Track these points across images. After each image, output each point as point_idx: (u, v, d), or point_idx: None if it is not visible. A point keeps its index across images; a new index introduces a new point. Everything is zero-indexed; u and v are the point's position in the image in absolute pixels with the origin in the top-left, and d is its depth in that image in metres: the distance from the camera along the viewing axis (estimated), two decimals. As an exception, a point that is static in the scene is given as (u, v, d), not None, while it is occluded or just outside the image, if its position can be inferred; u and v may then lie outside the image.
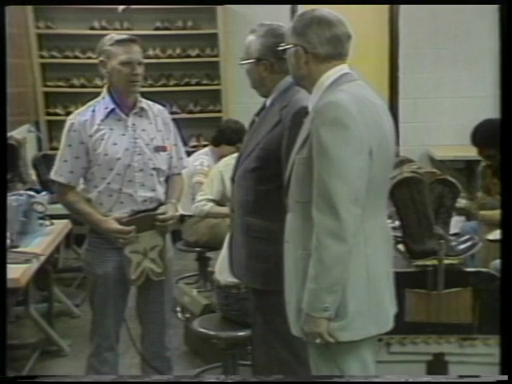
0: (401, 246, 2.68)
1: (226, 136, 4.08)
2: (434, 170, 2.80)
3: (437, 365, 2.57)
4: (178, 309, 3.73)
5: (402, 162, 2.67)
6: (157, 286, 2.63)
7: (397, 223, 2.67)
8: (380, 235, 1.90)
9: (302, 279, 1.84)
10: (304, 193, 1.84)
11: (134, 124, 2.56)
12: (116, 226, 2.47)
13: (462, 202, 3.15)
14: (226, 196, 3.53)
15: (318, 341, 1.82)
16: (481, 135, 3.32)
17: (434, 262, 2.54)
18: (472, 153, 3.50)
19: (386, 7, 5.70)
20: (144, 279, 2.56)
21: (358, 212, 1.76)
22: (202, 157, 4.15)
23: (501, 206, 2.13)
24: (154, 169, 2.57)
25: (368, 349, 1.91)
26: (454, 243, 2.65)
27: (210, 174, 3.83)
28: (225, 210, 3.53)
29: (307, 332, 1.84)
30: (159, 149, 2.59)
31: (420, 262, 2.57)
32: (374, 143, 1.79)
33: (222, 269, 2.78)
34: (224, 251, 2.69)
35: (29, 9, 5.17)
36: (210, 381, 2.06)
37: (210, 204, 3.70)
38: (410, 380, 1.91)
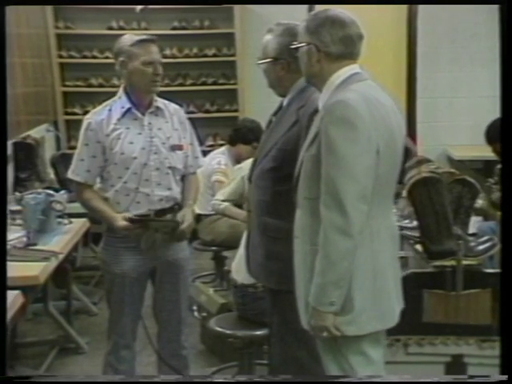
0: (419, 247, 2.66)
1: (242, 135, 4.08)
2: (453, 170, 2.78)
3: (455, 366, 2.54)
4: (195, 308, 3.73)
5: (420, 162, 2.65)
6: (173, 284, 2.64)
7: (415, 223, 2.65)
8: (386, 233, 1.92)
9: (310, 274, 1.87)
10: (312, 189, 1.87)
11: (150, 123, 2.56)
12: (122, 222, 2.46)
13: (479, 203, 3.12)
14: (245, 196, 3.52)
15: (324, 334, 1.85)
16: (493, 131, 3.30)
17: (453, 262, 2.52)
18: (491, 153, 3.47)
19: (404, 7, 5.66)
20: (151, 244, 2.53)
21: (364, 209, 1.80)
22: (219, 156, 4.15)
23: (501, 206, 2.10)
24: (169, 168, 2.58)
25: (369, 343, 1.92)
26: (472, 244, 2.62)
27: (232, 176, 3.82)
28: (239, 212, 3.54)
29: (314, 326, 1.87)
30: (175, 148, 2.60)
31: (438, 263, 2.55)
32: (382, 142, 1.82)
33: (238, 268, 2.77)
34: (241, 250, 2.69)
35: (48, 9, 5.21)
36: (219, 381, 2.07)
37: (225, 204, 3.70)
38: (421, 380, 1.90)
